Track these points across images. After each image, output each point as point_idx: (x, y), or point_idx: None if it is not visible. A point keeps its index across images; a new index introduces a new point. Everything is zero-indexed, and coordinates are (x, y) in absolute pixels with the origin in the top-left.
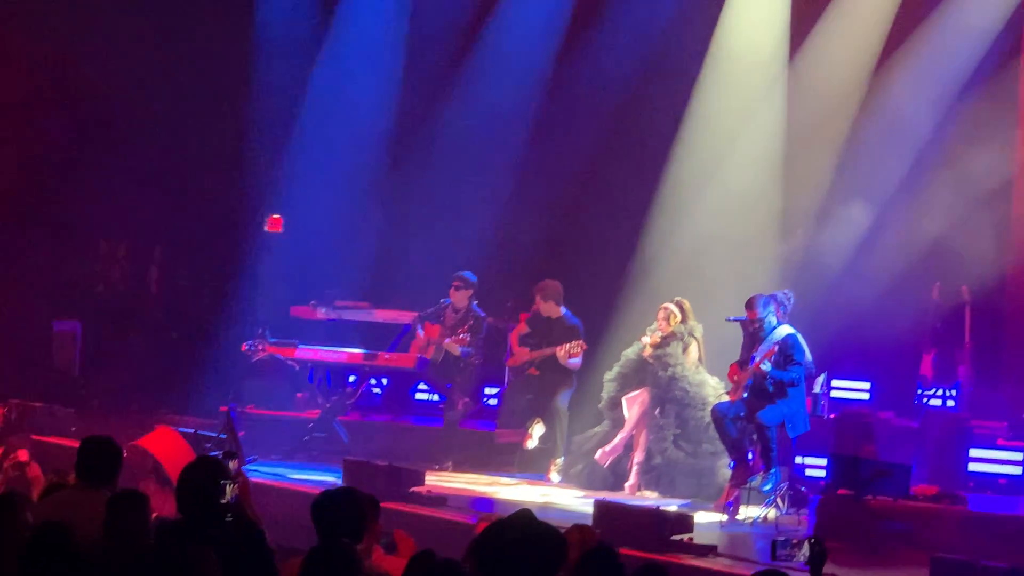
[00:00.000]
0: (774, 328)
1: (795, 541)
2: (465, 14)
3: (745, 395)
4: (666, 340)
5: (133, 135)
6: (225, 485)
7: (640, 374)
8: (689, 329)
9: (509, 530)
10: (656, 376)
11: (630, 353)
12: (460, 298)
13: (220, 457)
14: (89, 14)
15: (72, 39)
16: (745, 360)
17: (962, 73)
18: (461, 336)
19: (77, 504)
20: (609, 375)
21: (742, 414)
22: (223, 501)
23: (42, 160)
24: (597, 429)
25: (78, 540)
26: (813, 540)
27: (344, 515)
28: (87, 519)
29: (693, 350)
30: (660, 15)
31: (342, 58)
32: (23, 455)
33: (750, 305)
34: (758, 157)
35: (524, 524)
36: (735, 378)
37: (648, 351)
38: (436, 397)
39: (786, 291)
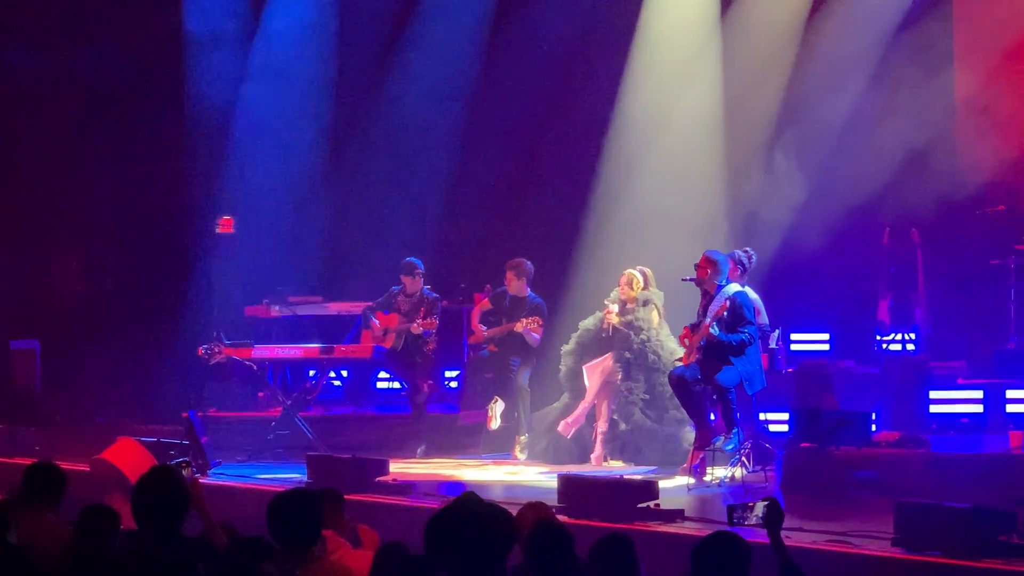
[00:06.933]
0: (722, 287)
1: (750, 504)
2: (392, 2)
3: (699, 357)
4: (631, 308)
5: (76, 149)
6: None
7: (601, 343)
8: (652, 295)
9: (454, 515)
10: (627, 341)
11: (588, 323)
12: (412, 284)
13: (173, 466)
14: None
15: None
16: (698, 323)
17: (895, 13)
18: (428, 320)
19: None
20: (567, 347)
21: (699, 376)
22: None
23: None
24: (557, 404)
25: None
26: (767, 501)
27: (296, 516)
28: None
29: (656, 316)
30: None
31: (274, 57)
32: None
33: (700, 263)
34: (698, 119)
35: (469, 507)
36: (687, 341)
37: (615, 319)
38: (397, 384)
39: (746, 248)
